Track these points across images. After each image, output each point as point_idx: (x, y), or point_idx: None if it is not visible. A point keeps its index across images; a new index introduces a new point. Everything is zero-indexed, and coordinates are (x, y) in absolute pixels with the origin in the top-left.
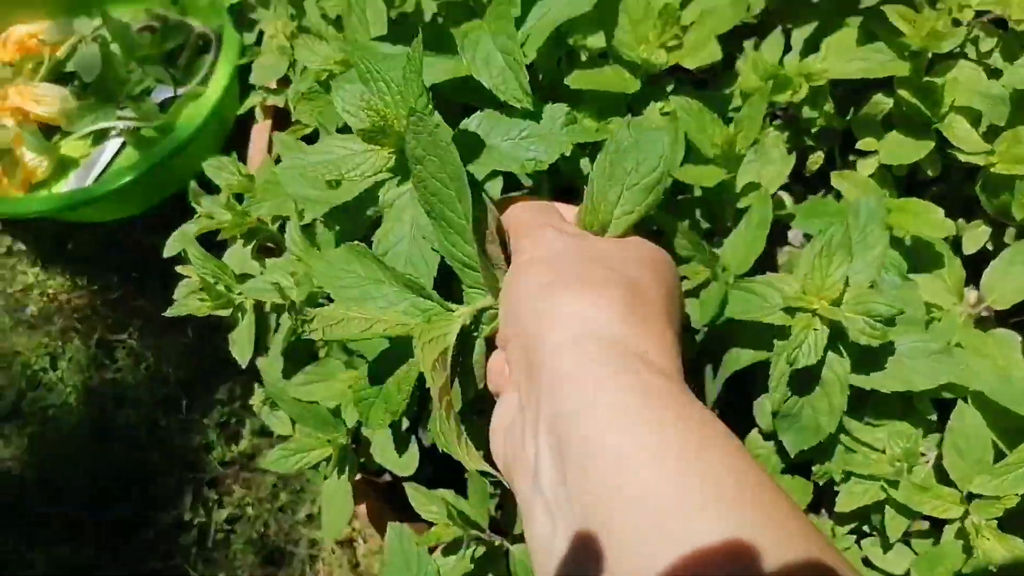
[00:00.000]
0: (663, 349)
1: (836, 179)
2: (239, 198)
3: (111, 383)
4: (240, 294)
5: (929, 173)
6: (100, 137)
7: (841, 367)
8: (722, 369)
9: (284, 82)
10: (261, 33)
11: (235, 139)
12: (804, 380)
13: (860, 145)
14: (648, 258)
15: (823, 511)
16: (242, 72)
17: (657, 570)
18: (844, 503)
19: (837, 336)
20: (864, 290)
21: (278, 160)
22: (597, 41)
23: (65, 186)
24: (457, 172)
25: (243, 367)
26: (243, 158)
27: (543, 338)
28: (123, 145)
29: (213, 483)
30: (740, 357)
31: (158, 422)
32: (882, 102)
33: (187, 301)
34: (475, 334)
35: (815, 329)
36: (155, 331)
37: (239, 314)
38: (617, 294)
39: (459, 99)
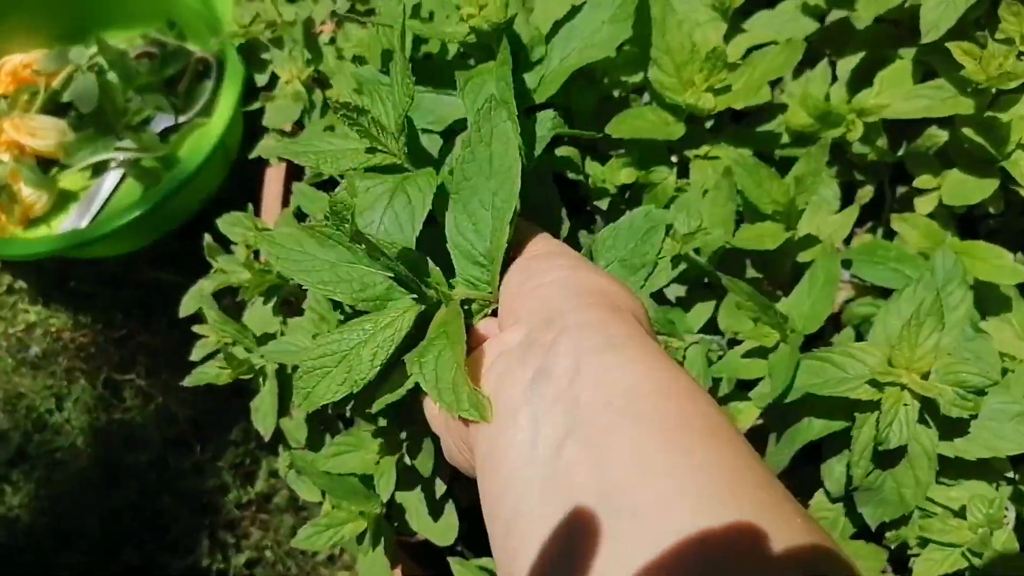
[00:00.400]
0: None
1: (896, 222)
2: (256, 253)
3: (119, 424)
4: (262, 356)
5: (991, 211)
6: (100, 169)
7: (929, 439)
8: (791, 439)
9: (298, 124)
10: (274, 74)
11: (241, 171)
12: (888, 453)
13: (917, 183)
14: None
15: None
16: (246, 94)
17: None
18: (922, 572)
19: (925, 407)
20: (953, 360)
21: (298, 211)
22: (633, 78)
23: (65, 220)
24: (510, 169)
25: (266, 439)
26: (252, 197)
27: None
28: (124, 177)
29: (229, 526)
30: (812, 427)
31: (169, 464)
32: (936, 135)
33: (206, 369)
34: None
35: (905, 404)
36: (163, 369)
37: (260, 379)
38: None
39: None
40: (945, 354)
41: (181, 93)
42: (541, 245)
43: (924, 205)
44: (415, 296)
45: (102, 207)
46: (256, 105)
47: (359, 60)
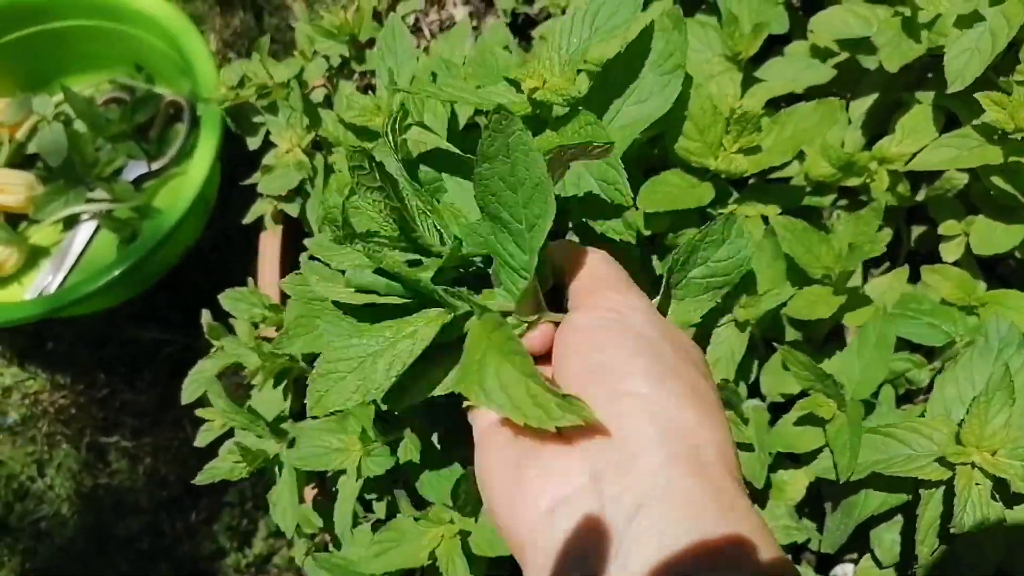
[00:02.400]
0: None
1: (927, 273)
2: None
3: (106, 489)
4: (277, 444)
5: (1017, 255)
6: (71, 222)
7: (996, 515)
8: (848, 513)
9: (295, 190)
10: (267, 140)
11: (220, 220)
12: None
13: (942, 229)
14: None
15: None
16: (224, 139)
17: None
18: None
19: (995, 484)
20: (1021, 434)
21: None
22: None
23: (37, 277)
24: (534, 177)
25: (288, 536)
26: (232, 247)
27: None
28: (97, 229)
29: None
30: (870, 502)
31: (162, 529)
32: (956, 178)
33: (220, 464)
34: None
35: (977, 484)
36: (149, 429)
37: (277, 470)
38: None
39: None
40: (1008, 428)
41: (153, 139)
42: (602, 268)
43: (950, 252)
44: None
45: (76, 262)
46: (255, 179)
47: (363, 129)
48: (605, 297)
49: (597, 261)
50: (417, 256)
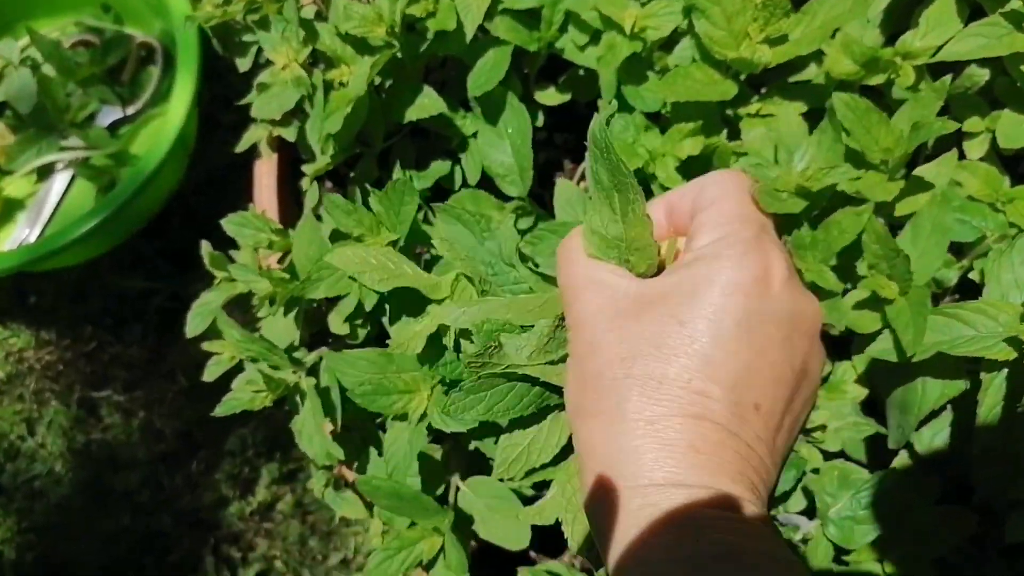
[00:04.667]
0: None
1: (956, 171)
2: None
3: (100, 444)
4: (295, 373)
5: None
6: (46, 172)
7: None
8: (905, 408)
9: (291, 113)
10: (257, 60)
11: (201, 163)
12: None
13: (966, 126)
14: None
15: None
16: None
17: None
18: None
19: None
20: None
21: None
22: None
23: (14, 231)
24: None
25: (319, 463)
26: (219, 190)
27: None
28: (73, 177)
29: (234, 539)
30: (928, 393)
31: (162, 482)
32: (977, 74)
33: (238, 395)
34: None
35: None
36: (141, 382)
37: (298, 398)
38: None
39: None
40: None
41: (126, 82)
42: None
43: (974, 149)
44: None
45: (53, 213)
46: (250, 98)
47: (363, 42)
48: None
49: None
50: None
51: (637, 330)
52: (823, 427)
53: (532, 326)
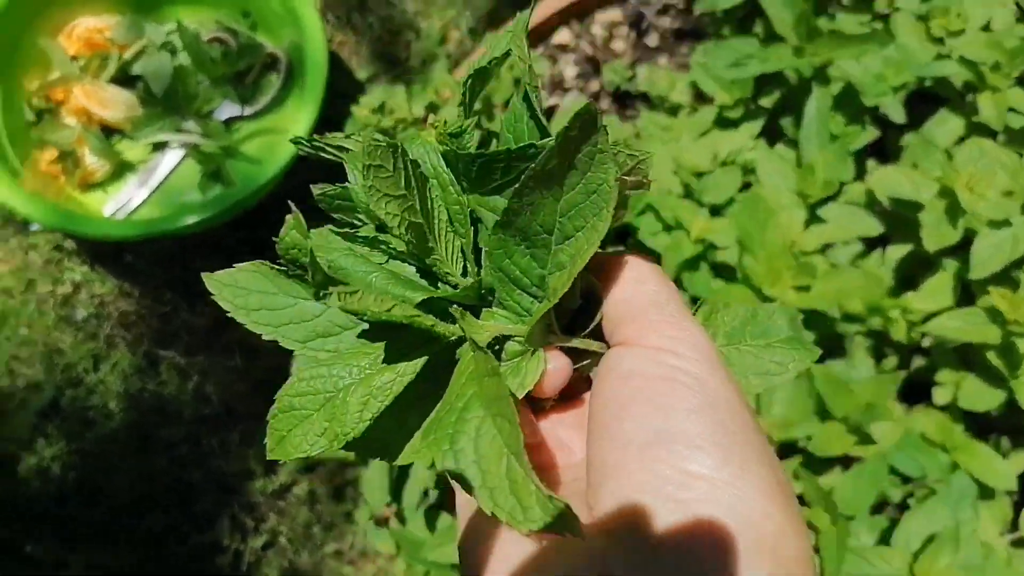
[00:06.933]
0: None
1: (918, 413)
2: None
3: (153, 394)
4: None
5: (993, 413)
6: (160, 145)
7: None
8: None
9: None
10: None
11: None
12: None
13: (939, 377)
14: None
15: None
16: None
17: None
18: None
19: None
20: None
21: None
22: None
23: (122, 190)
24: (600, 188)
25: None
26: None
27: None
28: (183, 157)
29: (250, 509)
30: None
31: (200, 441)
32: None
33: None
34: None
35: None
36: (202, 349)
37: None
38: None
39: None
40: (956, 570)
41: (248, 85)
42: (650, 284)
43: (941, 395)
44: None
45: (159, 185)
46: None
47: None
48: (657, 329)
49: (645, 273)
50: (422, 282)
51: None
52: None
53: None
